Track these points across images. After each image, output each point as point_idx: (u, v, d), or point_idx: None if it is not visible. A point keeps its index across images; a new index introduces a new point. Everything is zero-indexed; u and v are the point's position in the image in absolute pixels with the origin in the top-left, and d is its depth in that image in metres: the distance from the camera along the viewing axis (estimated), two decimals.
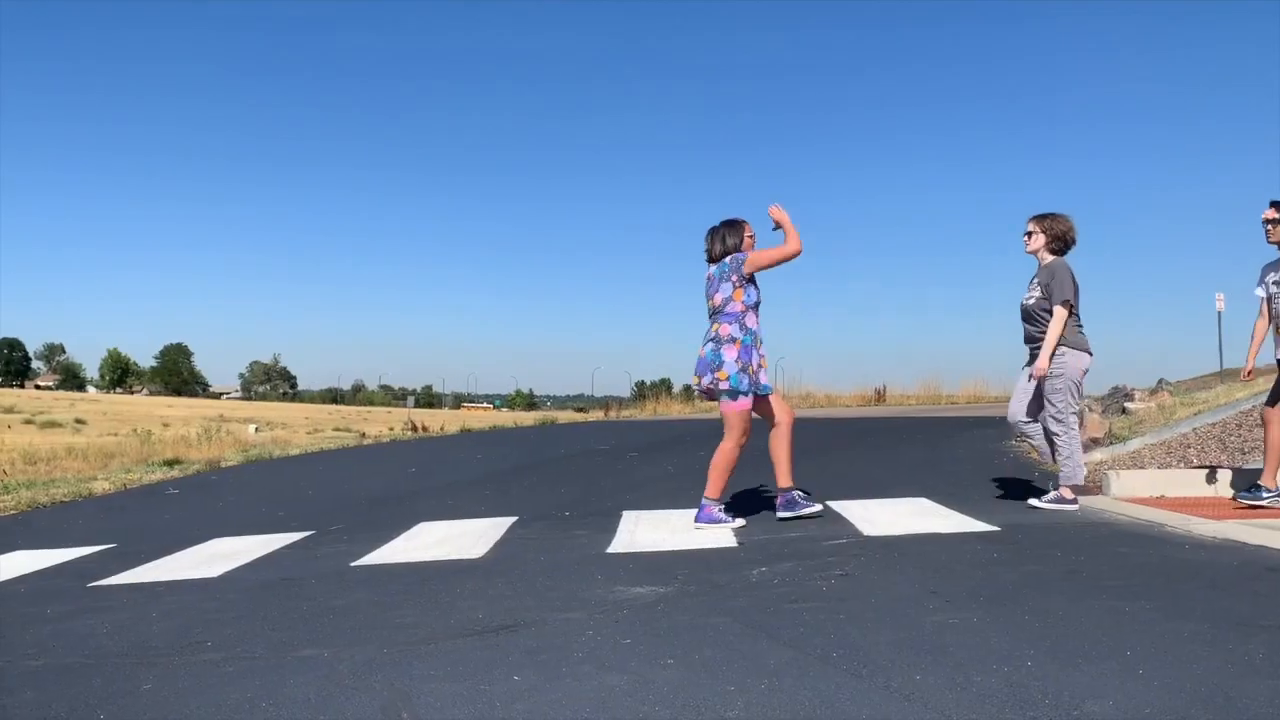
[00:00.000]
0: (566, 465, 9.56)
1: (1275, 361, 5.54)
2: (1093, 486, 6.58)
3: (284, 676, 2.83)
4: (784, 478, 5.44)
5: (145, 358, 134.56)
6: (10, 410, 49.08)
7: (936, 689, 2.45)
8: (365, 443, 15.81)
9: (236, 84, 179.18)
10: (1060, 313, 5.39)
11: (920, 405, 22.78)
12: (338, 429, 34.23)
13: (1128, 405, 10.64)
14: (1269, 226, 5.48)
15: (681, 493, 6.89)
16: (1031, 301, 5.57)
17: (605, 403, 31.05)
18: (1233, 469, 6.43)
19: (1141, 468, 6.62)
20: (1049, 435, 5.57)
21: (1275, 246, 5.51)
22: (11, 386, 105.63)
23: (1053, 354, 5.42)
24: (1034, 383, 5.57)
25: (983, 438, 10.45)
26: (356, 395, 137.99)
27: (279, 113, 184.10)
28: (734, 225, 5.44)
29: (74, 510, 7.96)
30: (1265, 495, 5.42)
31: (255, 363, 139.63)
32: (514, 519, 6.00)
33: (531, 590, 3.89)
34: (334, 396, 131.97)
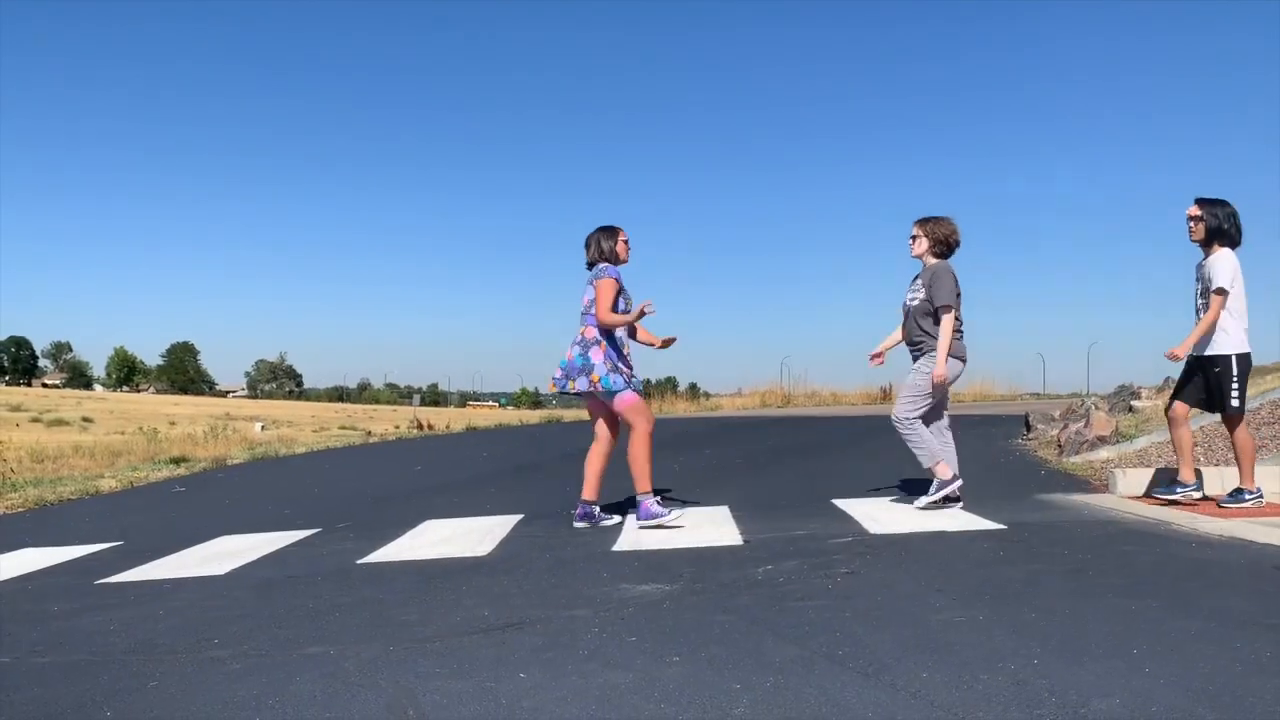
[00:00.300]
0: (572, 463, 9.55)
1: (1196, 358, 5.49)
2: (1099, 485, 6.57)
3: (290, 674, 2.83)
4: (589, 492, 5.53)
5: (152, 356, 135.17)
6: (17, 408, 49.25)
7: (942, 687, 2.45)
8: (371, 441, 15.84)
9: (242, 81, 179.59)
10: (948, 320, 5.41)
11: None
12: (343, 427, 34.29)
13: (1134, 403, 10.62)
14: (1192, 224, 5.46)
15: (687, 491, 6.88)
16: (915, 303, 5.58)
17: None
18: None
19: (1148, 466, 6.60)
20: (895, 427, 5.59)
21: (1199, 245, 5.48)
22: (19, 385, 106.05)
23: (924, 351, 5.49)
24: (923, 384, 5.58)
25: (988, 436, 10.44)
26: (362, 393, 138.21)
27: (285, 110, 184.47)
28: (610, 231, 5.48)
29: (81, 508, 7.98)
30: (1248, 498, 5.42)
31: (261, 361, 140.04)
32: (519, 517, 6.01)
33: (537, 588, 3.89)
34: (340, 395, 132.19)
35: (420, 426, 18.69)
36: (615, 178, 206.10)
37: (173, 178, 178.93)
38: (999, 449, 9.29)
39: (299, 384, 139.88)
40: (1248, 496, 5.40)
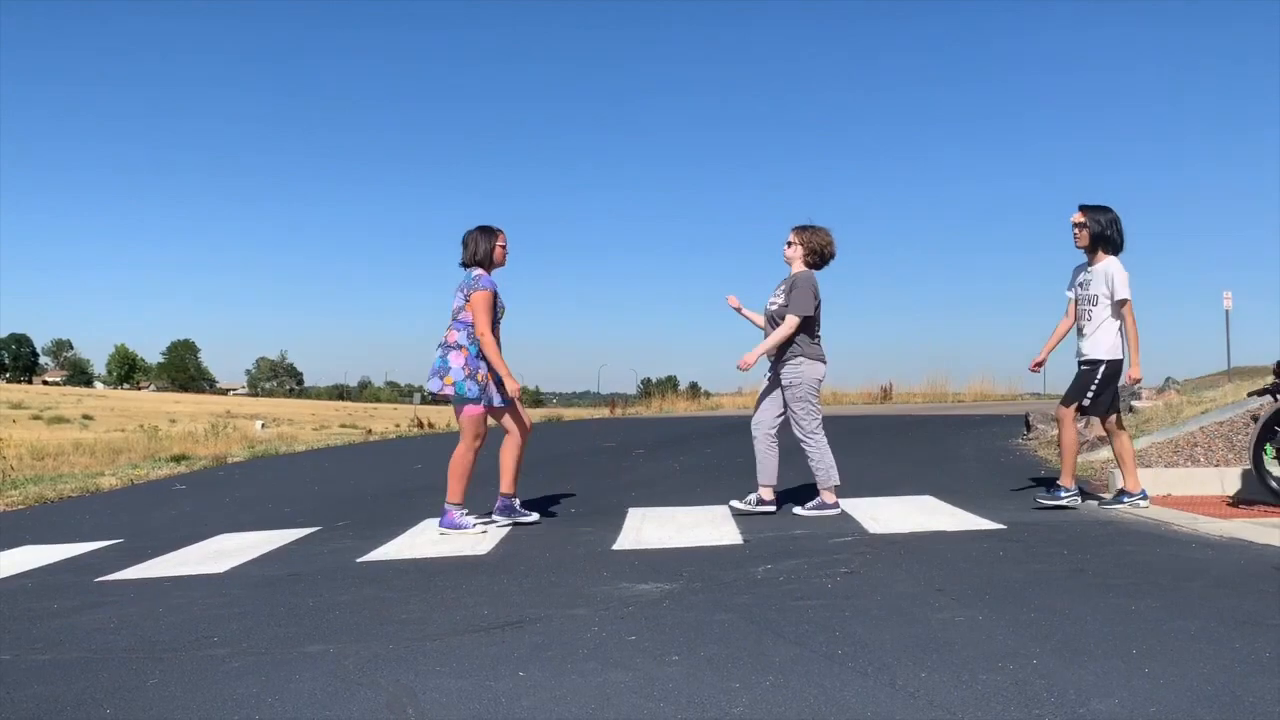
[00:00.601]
0: (572, 462, 9.57)
1: (1077, 362, 5.53)
2: (1099, 485, 6.56)
3: (290, 672, 2.83)
4: (506, 485, 5.55)
5: (153, 354, 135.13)
6: (18, 406, 49.27)
7: (942, 686, 2.45)
8: (371, 439, 15.85)
9: (242, 80, 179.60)
10: (791, 320, 5.44)
11: (926, 403, 22.77)
12: (344, 425, 34.29)
13: (1135, 404, 10.62)
14: (1076, 230, 5.49)
15: (688, 490, 6.89)
16: (775, 308, 5.61)
17: (611, 400, 31.08)
18: (1241, 468, 6.40)
19: (1148, 466, 6.60)
20: (799, 445, 5.61)
21: (1083, 250, 5.50)
22: (19, 382, 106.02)
23: (783, 359, 5.52)
24: (779, 390, 5.61)
25: (988, 436, 10.45)
26: (363, 392, 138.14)
27: (285, 109, 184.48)
28: (488, 233, 5.39)
29: (81, 506, 7.99)
30: (1064, 494, 5.44)
31: (262, 359, 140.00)
32: None
33: (537, 587, 3.89)
34: (341, 393, 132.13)
35: (421, 425, 18.69)
36: (613, 172, 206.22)
37: (174, 175, 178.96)
38: (999, 449, 9.30)
39: (300, 382, 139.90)
40: (1063, 494, 5.43)
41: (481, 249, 5.35)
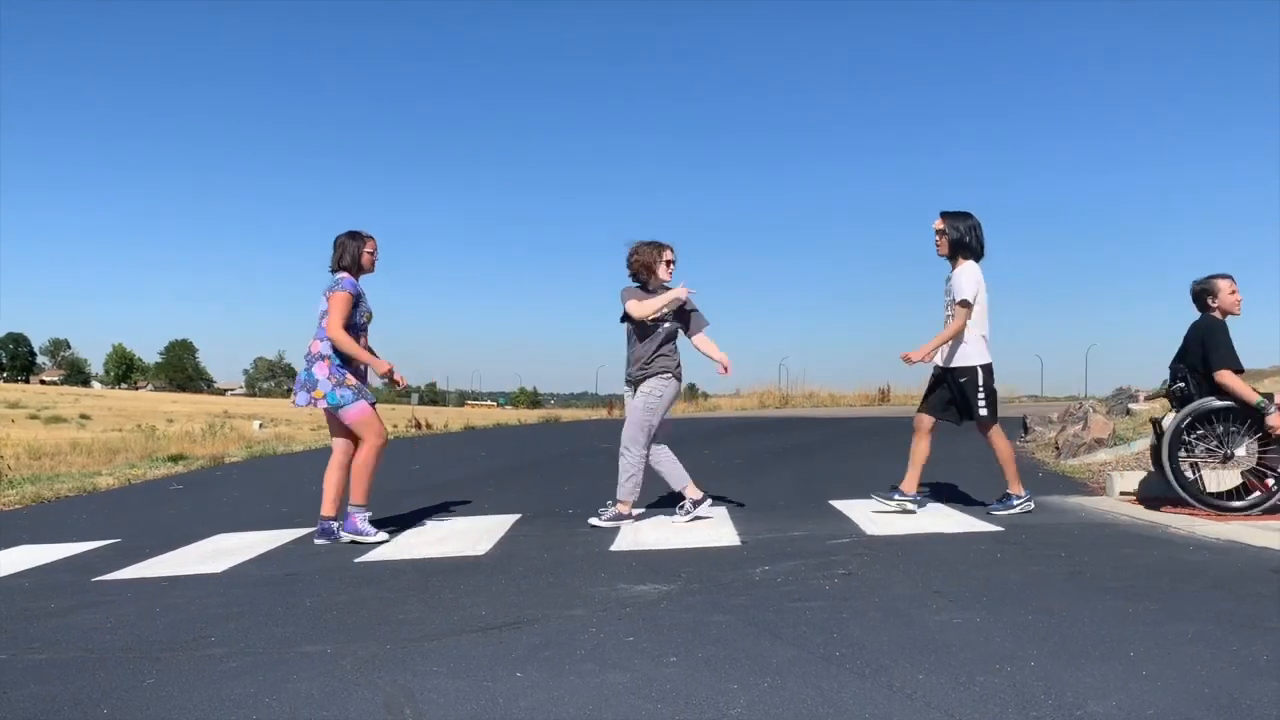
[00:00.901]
0: (570, 463, 9.56)
1: (942, 369, 5.46)
2: (1096, 487, 6.57)
3: (287, 672, 2.83)
4: (328, 507, 5.28)
5: (150, 354, 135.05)
6: (15, 405, 49.19)
7: (939, 688, 2.45)
8: None
9: (241, 79, 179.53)
10: (639, 307, 5.45)
11: None
12: None
13: (1132, 406, 10.64)
14: (938, 237, 5.45)
15: None
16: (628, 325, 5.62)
17: (609, 401, 31.07)
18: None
19: (1146, 469, 6.60)
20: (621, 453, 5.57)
21: (945, 258, 5.47)
22: (17, 381, 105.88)
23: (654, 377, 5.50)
24: (654, 409, 5.57)
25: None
26: None
27: (285, 108, 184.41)
28: (357, 238, 5.32)
29: (78, 505, 7.97)
30: (1016, 502, 5.38)
31: (260, 359, 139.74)
32: (517, 516, 6.01)
33: (535, 588, 3.89)
34: None
35: (418, 426, 18.67)
36: (614, 174, 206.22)
37: (171, 174, 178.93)
38: None
39: None
40: (1015, 501, 5.37)
41: (349, 254, 5.26)
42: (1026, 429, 10.29)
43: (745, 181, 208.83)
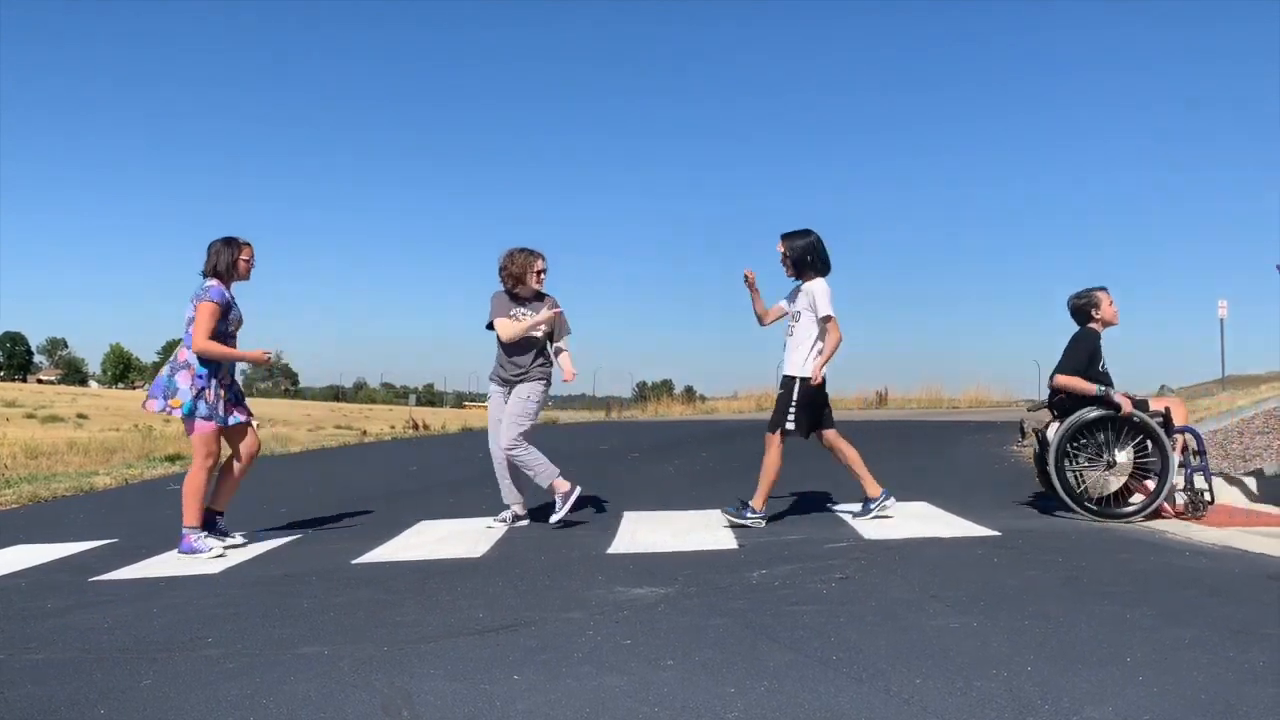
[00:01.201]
0: (567, 465, 9.53)
1: (792, 378, 5.41)
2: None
3: (284, 673, 2.83)
4: (188, 517, 5.14)
5: (148, 353, 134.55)
6: (12, 404, 49.14)
7: (936, 693, 2.45)
8: (366, 441, 15.83)
9: (239, 79, 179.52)
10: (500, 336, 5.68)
11: (922, 409, 22.81)
12: (339, 427, 34.21)
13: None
14: (782, 259, 5.46)
15: (684, 494, 6.89)
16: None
17: (607, 403, 31.08)
18: (1235, 476, 6.43)
19: None
20: (513, 457, 5.72)
21: (794, 278, 5.49)
22: (14, 380, 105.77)
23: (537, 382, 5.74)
24: (532, 409, 5.73)
25: (984, 442, 10.46)
26: (358, 393, 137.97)
27: (284, 107, 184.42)
28: (231, 244, 5.20)
29: (75, 505, 7.97)
30: (749, 515, 5.34)
31: None
32: (515, 518, 6.00)
33: (532, 590, 3.89)
34: (335, 394, 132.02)
35: (416, 427, 18.68)
36: (612, 175, 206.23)
37: (169, 174, 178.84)
38: (994, 455, 9.31)
39: (295, 383, 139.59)
40: (749, 514, 5.33)
41: (223, 260, 5.14)
42: (1024, 434, 10.30)
43: (745, 182, 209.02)
